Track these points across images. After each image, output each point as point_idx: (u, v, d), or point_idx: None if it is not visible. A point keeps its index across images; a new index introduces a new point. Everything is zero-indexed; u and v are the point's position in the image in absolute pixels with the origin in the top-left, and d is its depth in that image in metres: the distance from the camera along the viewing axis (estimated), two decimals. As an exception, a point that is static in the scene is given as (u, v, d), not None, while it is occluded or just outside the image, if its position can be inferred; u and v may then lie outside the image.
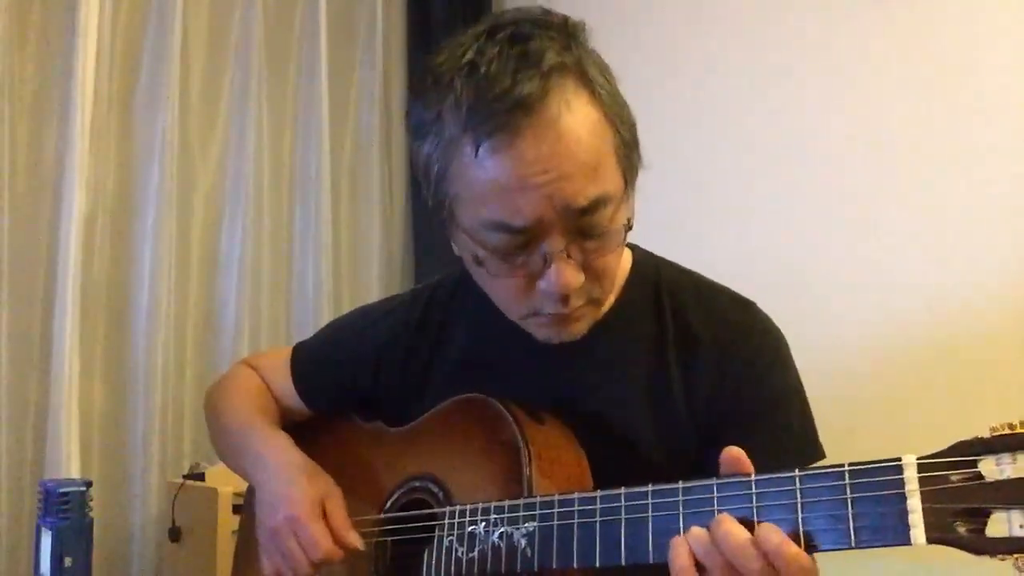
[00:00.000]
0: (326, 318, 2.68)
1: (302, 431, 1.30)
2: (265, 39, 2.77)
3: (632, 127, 1.00)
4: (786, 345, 1.11)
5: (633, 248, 1.18)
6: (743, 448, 0.85)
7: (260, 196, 2.73)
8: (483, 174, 0.93)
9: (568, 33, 0.96)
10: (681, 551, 0.82)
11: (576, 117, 0.93)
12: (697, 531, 0.82)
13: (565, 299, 0.98)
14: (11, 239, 2.25)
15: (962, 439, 0.71)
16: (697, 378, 1.08)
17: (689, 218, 2.51)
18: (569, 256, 0.95)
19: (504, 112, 0.90)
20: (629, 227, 1.00)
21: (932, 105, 2.18)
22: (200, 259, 2.66)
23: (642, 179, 1.04)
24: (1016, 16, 2.08)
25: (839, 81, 2.33)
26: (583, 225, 0.95)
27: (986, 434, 0.70)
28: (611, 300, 1.13)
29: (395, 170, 3.06)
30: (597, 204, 0.94)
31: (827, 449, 1.07)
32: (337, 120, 2.92)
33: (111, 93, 2.45)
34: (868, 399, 2.14)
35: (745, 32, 2.52)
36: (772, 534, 0.78)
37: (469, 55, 0.93)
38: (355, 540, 1.13)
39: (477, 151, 0.92)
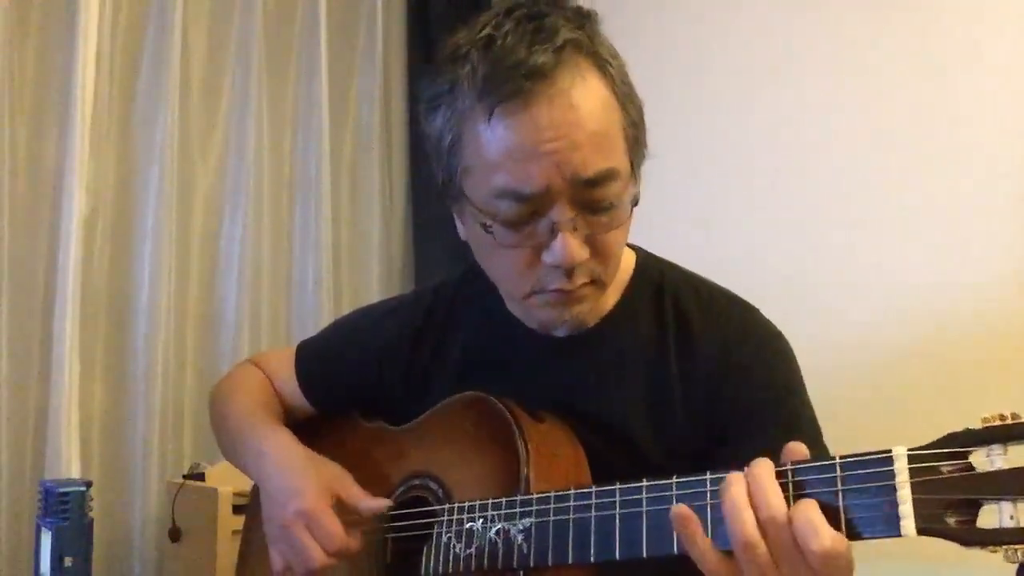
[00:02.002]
0: (326, 317, 2.69)
1: (305, 429, 1.31)
2: (265, 39, 2.77)
3: (639, 110, 1.02)
4: (788, 347, 1.11)
5: (636, 250, 1.18)
6: (751, 449, 0.85)
7: (260, 196, 2.73)
8: (495, 140, 0.95)
9: (583, 15, 0.99)
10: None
11: (588, 90, 0.95)
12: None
13: (569, 272, 1.00)
14: (11, 239, 2.26)
15: (953, 431, 0.71)
16: (697, 380, 1.08)
17: (688, 217, 2.51)
18: (575, 228, 0.97)
19: (518, 79, 0.93)
20: (635, 202, 1.01)
21: (932, 104, 2.18)
22: (200, 259, 2.66)
23: (642, 178, 1.05)
24: (1016, 15, 2.08)
25: (839, 79, 2.33)
26: (590, 198, 0.97)
27: (977, 426, 0.71)
28: (613, 300, 1.13)
29: (395, 170, 3.06)
30: (605, 177, 0.96)
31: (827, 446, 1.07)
32: (337, 120, 2.91)
33: (111, 93, 2.45)
34: (868, 398, 2.14)
35: (744, 30, 2.52)
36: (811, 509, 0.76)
37: (486, 31, 0.97)
38: (379, 504, 1.14)
39: (490, 117, 0.95)
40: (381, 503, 1.14)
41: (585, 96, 0.95)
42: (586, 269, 1.01)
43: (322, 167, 2.82)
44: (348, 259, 2.95)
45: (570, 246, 0.97)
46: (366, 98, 3.00)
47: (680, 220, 2.47)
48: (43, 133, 2.33)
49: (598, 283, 1.04)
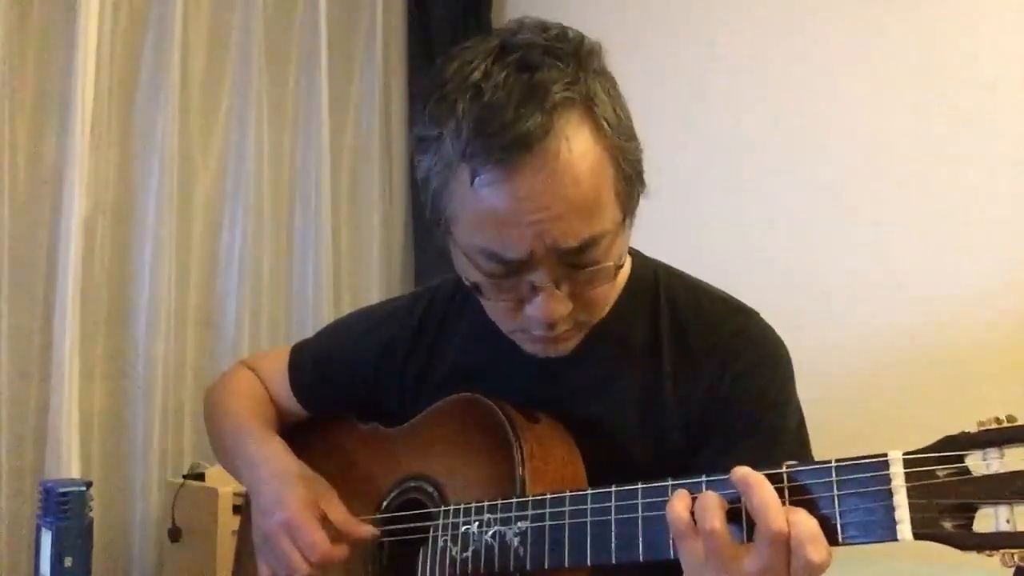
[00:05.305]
0: (326, 318, 2.69)
1: (299, 432, 1.31)
2: (265, 39, 2.77)
3: (636, 161, 0.98)
4: (786, 355, 1.09)
5: (633, 253, 1.16)
6: (733, 454, 0.84)
7: (260, 196, 2.73)
8: (477, 203, 0.92)
9: (580, 60, 0.93)
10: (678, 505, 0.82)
11: (576, 155, 0.91)
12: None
13: (551, 325, 0.99)
14: (11, 239, 2.26)
15: (949, 434, 0.71)
16: (692, 386, 1.07)
17: (688, 219, 2.51)
18: (558, 287, 0.95)
19: (502, 147, 0.89)
20: (620, 265, 0.99)
21: (932, 106, 2.17)
22: (200, 259, 2.66)
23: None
24: (1017, 16, 2.07)
25: (839, 82, 2.33)
26: (574, 261, 0.95)
27: (973, 429, 0.70)
28: (608, 306, 1.12)
29: (395, 170, 3.06)
30: (588, 244, 0.93)
31: (825, 450, 1.05)
32: (337, 120, 2.92)
33: (111, 93, 2.45)
34: (867, 400, 2.14)
35: (745, 33, 2.51)
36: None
37: (476, 76, 0.91)
38: (364, 530, 1.14)
39: (473, 180, 0.91)
40: (368, 530, 1.14)
41: (572, 162, 0.90)
42: (569, 319, 0.99)
43: (322, 167, 2.82)
44: (348, 259, 2.96)
45: (550, 306, 0.96)
46: (366, 98, 3.00)
47: (679, 222, 2.46)
48: (43, 133, 2.34)
49: (582, 325, 1.03)
